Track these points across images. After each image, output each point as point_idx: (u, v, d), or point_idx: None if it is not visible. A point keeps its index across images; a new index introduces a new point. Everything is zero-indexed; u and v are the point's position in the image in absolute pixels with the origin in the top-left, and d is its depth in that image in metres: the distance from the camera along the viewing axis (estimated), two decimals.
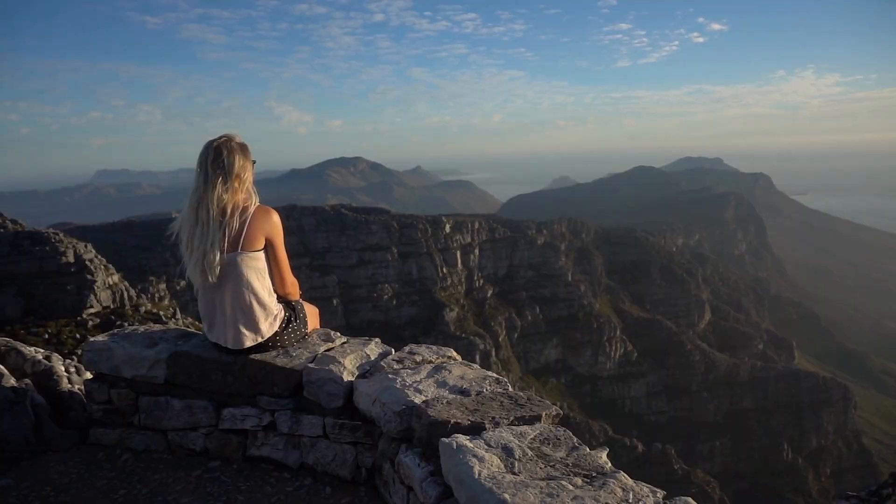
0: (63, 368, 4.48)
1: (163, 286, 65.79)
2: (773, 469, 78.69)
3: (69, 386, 4.30)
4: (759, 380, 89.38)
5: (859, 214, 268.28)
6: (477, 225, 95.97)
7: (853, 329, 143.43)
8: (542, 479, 2.24)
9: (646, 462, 69.71)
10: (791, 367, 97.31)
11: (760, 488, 76.49)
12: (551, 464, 2.39)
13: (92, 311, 39.14)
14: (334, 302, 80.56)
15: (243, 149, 3.54)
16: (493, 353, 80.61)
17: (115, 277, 43.22)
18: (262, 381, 3.53)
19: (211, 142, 3.49)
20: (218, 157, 3.42)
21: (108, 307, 40.48)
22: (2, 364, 4.18)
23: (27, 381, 4.13)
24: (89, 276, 39.92)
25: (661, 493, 2.23)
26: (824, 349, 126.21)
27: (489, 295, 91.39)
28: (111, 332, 4.06)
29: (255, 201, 3.52)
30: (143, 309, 43.05)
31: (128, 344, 3.79)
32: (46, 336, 34.04)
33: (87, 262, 40.60)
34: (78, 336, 35.10)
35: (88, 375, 4.20)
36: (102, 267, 42.15)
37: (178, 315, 46.49)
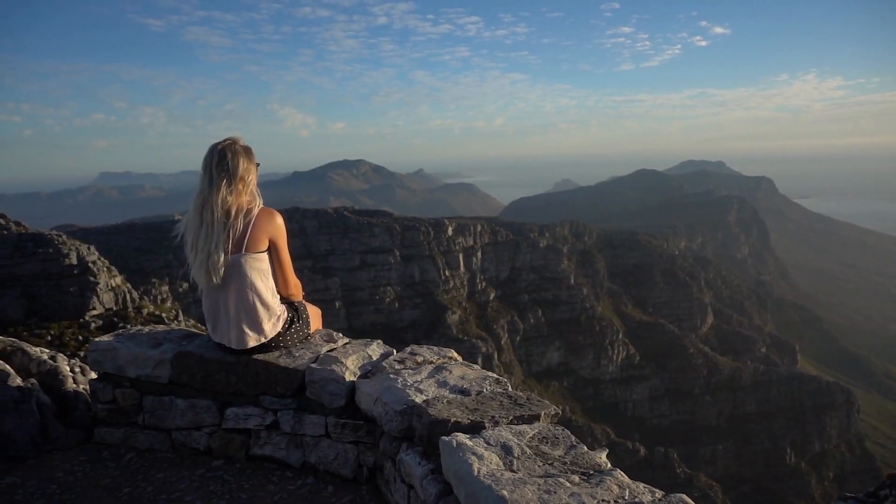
0: (68, 368, 4.52)
1: (165, 288, 65.94)
2: (775, 473, 78.49)
3: (74, 386, 4.34)
4: (762, 383, 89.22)
5: (862, 218, 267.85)
6: (479, 227, 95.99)
7: (856, 332, 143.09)
8: (540, 477, 2.28)
9: (648, 466, 69.60)
10: (794, 370, 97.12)
11: (763, 492, 76.27)
12: (549, 462, 2.42)
13: (94, 313, 39.22)
14: (336, 304, 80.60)
15: (247, 151, 3.58)
16: (496, 356, 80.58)
17: (118, 279, 43.31)
18: (265, 380, 3.57)
19: (215, 145, 3.54)
20: (222, 160, 3.47)
21: (110, 309, 40.55)
22: (8, 364, 4.22)
23: (33, 380, 4.17)
24: (92, 278, 40.01)
25: (659, 493, 2.26)
26: (827, 353, 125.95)
27: (491, 298, 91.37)
28: (116, 332, 4.10)
29: (258, 203, 3.56)
30: (145, 311, 43.11)
31: (132, 344, 3.83)
32: (49, 338, 34.08)
33: (90, 264, 40.69)
34: (80, 338, 35.16)
35: (93, 375, 4.24)
36: (105, 269, 42.25)
37: (181, 317, 46.56)
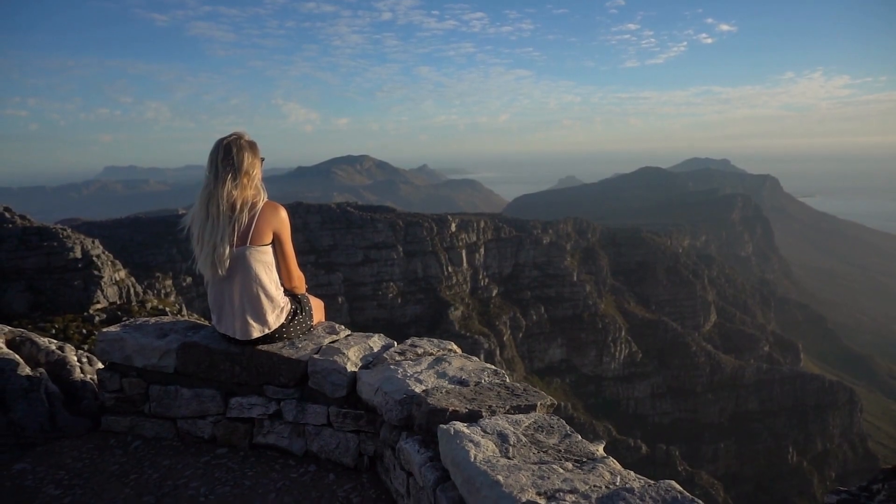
0: (76, 358, 4.61)
1: (169, 282, 66.18)
2: (777, 472, 78.52)
3: (82, 375, 4.43)
4: (765, 382, 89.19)
5: (867, 217, 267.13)
6: (482, 224, 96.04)
7: (859, 332, 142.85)
8: (535, 463, 2.36)
9: (650, 463, 69.71)
10: (797, 369, 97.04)
11: (765, 491, 76.33)
12: (544, 449, 2.50)
13: (99, 306, 39.42)
14: (339, 300, 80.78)
15: (252, 146, 3.65)
16: (498, 352, 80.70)
17: (122, 273, 43.51)
18: (269, 371, 3.65)
19: (221, 140, 3.61)
20: (228, 155, 3.53)
21: (114, 303, 40.76)
22: (17, 354, 4.31)
23: (41, 370, 4.25)
24: (96, 272, 40.21)
25: (651, 481, 2.33)
26: (830, 352, 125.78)
27: (494, 294, 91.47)
28: (123, 322, 4.18)
29: (263, 197, 3.63)
30: (149, 305, 43.29)
31: (139, 334, 3.90)
32: (53, 331, 34.26)
33: (95, 258, 40.89)
34: (84, 331, 35.36)
35: (100, 365, 4.32)
36: (109, 263, 42.44)
37: (184, 312, 46.71)
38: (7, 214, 41.05)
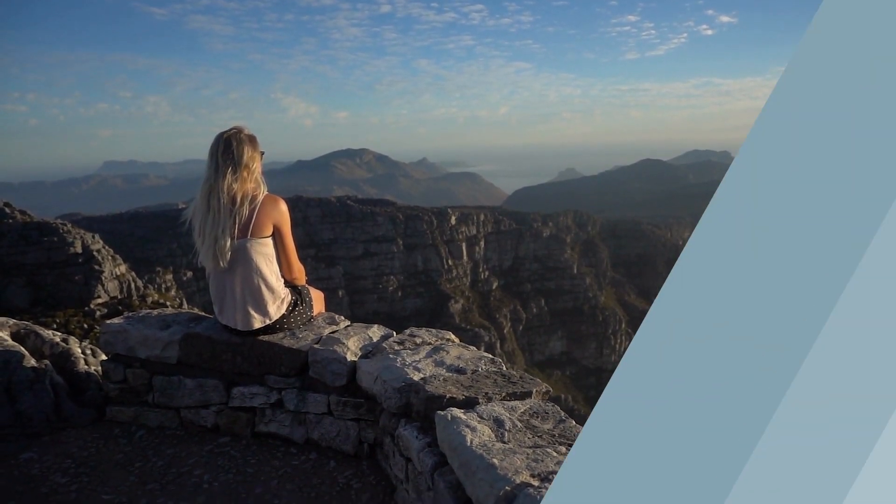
0: (80, 350, 4.68)
1: (169, 277, 66.27)
2: None
3: (86, 367, 4.50)
4: None
5: None
6: (482, 217, 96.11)
7: None
8: (530, 447, 2.42)
9: None
10: None
11: None
12: (539, 434, 2.56)
13: (99, 301, 39.54)
14: (340, 293, 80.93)
15: (252, 140, 3.70)
16: (498, 345, 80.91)
17: (123, 268, 43.61)
18: (270, 361, 3.71)
19: (221, 133, 3.66)
20: (228, 148, 3.59)
21: (115, 297, 40.87)
22: (22, 346, 4.37)
23: (46, 361, 4.32)
24: (97, 267, 40.31)
25: None
26: None
27: (494, 287, 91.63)
28: (126, 315, 4.25)
29: (263, 190, 3.69)
30: (150, 299, 43.41)
31: (142, 326, 3.97)
32: (55, 326, 34.34)
33: (95, 253, 40.98)
34: (86, 326, 35.49)
35: (103, 357, 4.39)
36: (110, 257, 42.53)
37: (185, 305, 46.86)
38: (7, 210, 41.11)
